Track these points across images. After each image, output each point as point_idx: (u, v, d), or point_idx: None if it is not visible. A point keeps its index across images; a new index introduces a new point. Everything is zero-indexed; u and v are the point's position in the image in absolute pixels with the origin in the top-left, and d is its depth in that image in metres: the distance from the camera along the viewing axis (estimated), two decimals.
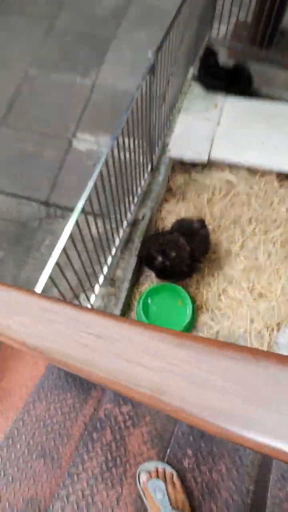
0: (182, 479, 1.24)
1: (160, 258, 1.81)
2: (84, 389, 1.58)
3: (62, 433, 1.49)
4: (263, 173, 2.43)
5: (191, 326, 1.97)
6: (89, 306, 2.00)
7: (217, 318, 2.01)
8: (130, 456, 1.37)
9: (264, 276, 2.09)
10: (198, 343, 0.43)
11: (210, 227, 2.23)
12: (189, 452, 1.33)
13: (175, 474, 1.23)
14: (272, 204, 2.34)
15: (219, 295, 2.07)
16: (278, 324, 1.97)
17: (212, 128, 2.50)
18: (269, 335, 1.94)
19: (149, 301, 1.99)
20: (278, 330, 1.94)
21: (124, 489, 1.32)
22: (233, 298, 2.05)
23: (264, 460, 1.21)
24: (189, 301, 1.94)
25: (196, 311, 2.02)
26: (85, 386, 1.57)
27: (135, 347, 0.48)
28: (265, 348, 1.89)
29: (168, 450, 1.31)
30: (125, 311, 2.04)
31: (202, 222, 2.03)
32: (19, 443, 1.47)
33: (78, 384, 1.58)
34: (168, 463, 1.29)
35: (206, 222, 2.21)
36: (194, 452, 1.33)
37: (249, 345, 1.92)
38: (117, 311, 1.98)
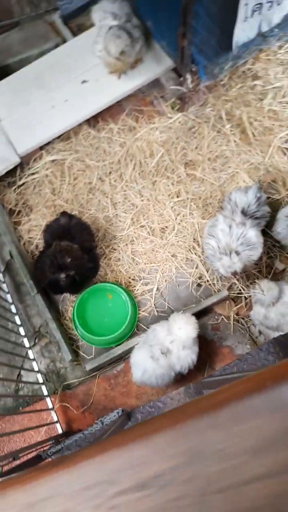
0: None
1: (63, 274, 1.60)
2: None
3: None
4: (76, 131, 2.26)
5: (135, 306, 1.84)
6: (39, 375, 1.74)
7: (148, 279, 1.91)
8: None
9: (152, 212, 2.02)
10: None
11: (76, 213, 2.05)
12: None
13: None
14: (105, 150, 2.22)
15: (133, 260, 1.95)
16: (195, 240, 1.94)
17: None
18: (196, 254, 1.92)
19: (83, 317, 1.80)
20: (199, 245, 1.92)
21: None
22: (146, 252, 1.95)
23: None
24: (117, 288, 1.79)
25: (128, 288, 1.89)
26: None
27: None
28: (202, 267, 1.87)
29: None
30: (71, 346, 1.82)
31: (65, 214, 1.83)
32: None
33: None
34: None
35: (70, 210, 2.03)
36: None
37: (190, 277, 1.88)
38: (65, 354, 1.75)
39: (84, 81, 2.25)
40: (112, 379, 1.77)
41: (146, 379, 1.51)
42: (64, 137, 2.27)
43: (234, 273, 1.57)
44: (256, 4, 1.91)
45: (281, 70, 2.30)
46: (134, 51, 2.07)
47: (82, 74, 2.26)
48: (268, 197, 1.98)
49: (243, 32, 2.01)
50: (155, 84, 2.31)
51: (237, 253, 1.51)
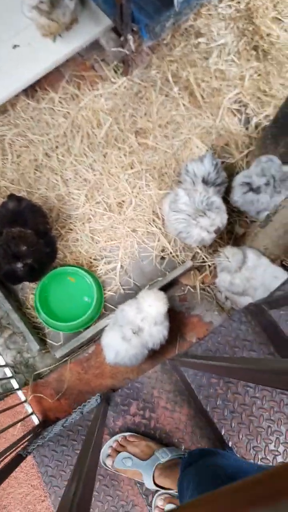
0: (136, 427, 1.24)
1: (19, 264, 1.49)
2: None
3: None
4: (12, 102, 2.07)
5: (100, 286, 1.78)
6: (7, 369, 1.66)
7: (110, 257, 1.85)
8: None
9: (107, 187, 1.93)
10: None
11: (24, 194, 1.91)
12: (122, 408, 1.30)
13: (127, 434, 1.22)
14: (48, 123, 2.06)
15: (92, 239, 1.87)
16: (154, 212, 1.89)
17: None
18: (156, 226, 1.88)
19: (46, 303, 1.72)
20: (158, 217, 1.88)
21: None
22: (105, 229, 1.88)
23: None
24: (79, 271, 1.71)
25: (90, 269, 1.83)
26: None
27: None
28: (163, 239, 1.84)
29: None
30: (37, 335, 1.75)
31: (13, 197, 1.69)
32: None
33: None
34: (115, 432, 1.26)
35: (17, 192, 1.88)
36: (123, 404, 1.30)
37: (153, 250, 1.84)
38: (32, 343, 1.68)
39: (15, 46, 2.03)
40: (84, 363, 1.73)
41: (120, 360, 1.48)
42: (0, 110, 2.07)
43: (218, 231, 1.53)
44: None
45: (223, 26, 2.22)
46: (68, 9, 1.88)
47: (12, 38, 2.03)
48: (223, 162, 1.95)
49: None
50: (95, 46, 2.14)
51: (210, 211, 1.49)
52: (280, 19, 2.21)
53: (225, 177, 1.73)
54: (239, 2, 2.22)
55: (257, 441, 1.10)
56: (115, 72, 2.15)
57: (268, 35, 2.16)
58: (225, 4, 2.23)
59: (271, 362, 0.56)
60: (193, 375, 1.20)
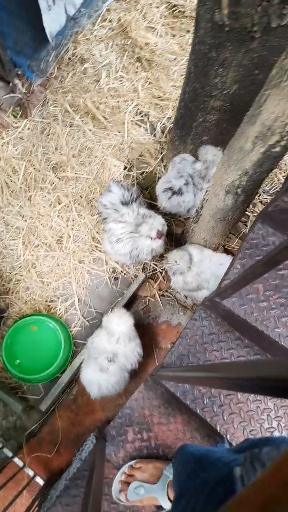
0: (139, 452, 1.27)
1: None
2: None
3: None
4: None
5: (64, 326, 1.77)
6: None
7: (65, 294, 1.85)
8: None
9: (41, 229, 1.93)
10: None
11: None
12: (120, 439, 1.31)
13: (131, 462, 1.24)
14: None
15: (42, 282, 1.86)
16: (94, 239, 1.92)
17: None
18: (100, 251, 1.90)
19: (16, 362, 1.68)
20: (99, 242, 1.90)
21: None
22: (52, 269, 1.87)
23: None
24: (39, 318, 1.69)
25: (49, 312, 1.81)
26: None
27: None
28: (111, 261, 1.87)
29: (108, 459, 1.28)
30: (16, 395, 1.70)
31: None
32: None
33: None
34: (119, 465, 1.27)
35: None
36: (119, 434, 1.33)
37: (105, 274, 1.86)
38: (14, 406, 1.63)
39: None
40: (72, 405, 1.71)
41: (104, 392, 1.48)
42: None
43: (160, 234, 1.57)
44: None
45: (103, 47, 2.31)
46: None
47: None
48: (142, 172, 2.02)
49: (52, 21, 1.94)
50: None
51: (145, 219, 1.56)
52: (152, 27, 2.33)
53: (137, 189, 1.77)
54: (111, 21, 2.32)
55: (251, 425, 1.15)
56: (15, 117, 2.17)
57: (146, 44, 2.27)
58: (98, 26, 2.33)
59: (231, 366, 0.60)
60: (174, 384, 1.23)
